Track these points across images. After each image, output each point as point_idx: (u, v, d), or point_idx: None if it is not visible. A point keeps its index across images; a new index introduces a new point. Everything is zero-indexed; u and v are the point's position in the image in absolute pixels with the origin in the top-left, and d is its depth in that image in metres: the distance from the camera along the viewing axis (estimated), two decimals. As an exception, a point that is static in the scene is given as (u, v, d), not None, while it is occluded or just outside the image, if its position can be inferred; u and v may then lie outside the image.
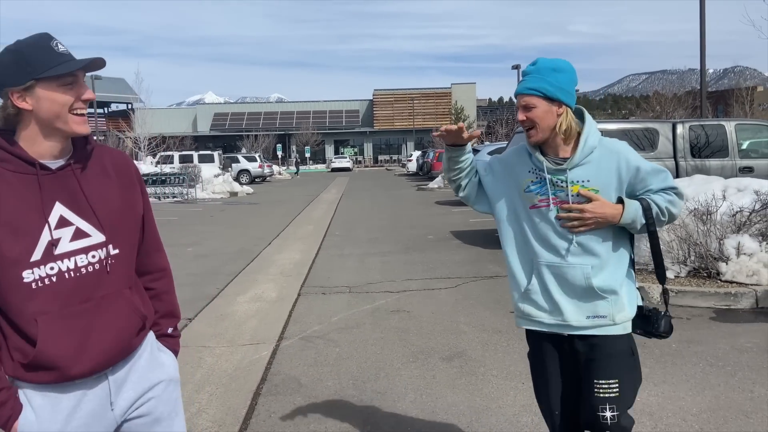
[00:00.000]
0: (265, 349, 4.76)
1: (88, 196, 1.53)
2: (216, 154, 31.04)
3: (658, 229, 2.07)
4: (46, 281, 1.46)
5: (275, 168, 41.21)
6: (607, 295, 2.03)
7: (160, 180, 22.51)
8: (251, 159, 35.05)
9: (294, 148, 60.15)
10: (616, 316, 2.04)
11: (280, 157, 53.06)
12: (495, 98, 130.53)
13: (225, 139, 61.98)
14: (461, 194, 2.33)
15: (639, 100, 33.10)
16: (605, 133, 8.69)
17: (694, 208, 6.32)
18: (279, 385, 4.01)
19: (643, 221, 2.01)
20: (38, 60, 1.43)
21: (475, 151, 18.48)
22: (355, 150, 66.39)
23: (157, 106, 47.23)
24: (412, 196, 21.80)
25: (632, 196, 2.05)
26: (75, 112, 1.49)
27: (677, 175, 8.43)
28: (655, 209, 2.03)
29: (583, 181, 2.03)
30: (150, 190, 22.27)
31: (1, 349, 1.47)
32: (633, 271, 2.13)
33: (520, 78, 2.11)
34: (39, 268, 1.45)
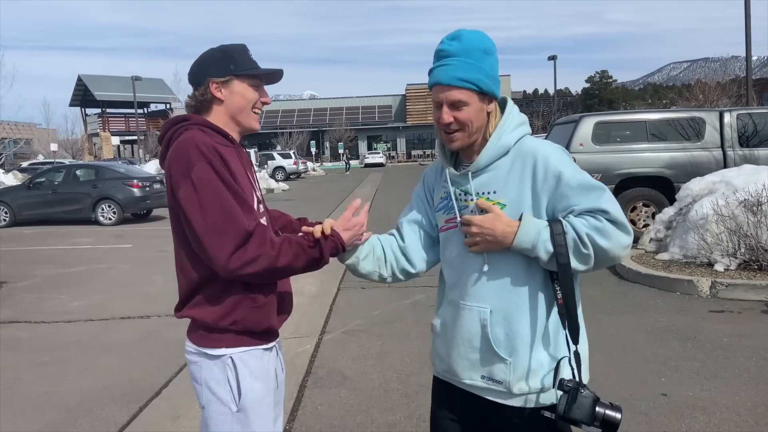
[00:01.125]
0: (308, 343, 4.81)
1: (268, 180, 1.89)
2: (252, 151, 31.44)
3: (576, 265, 1.47)
4: (265, 219, 1.74)
5: (309, 164, 41.54)
6: (504, 356, 1.53)
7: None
8: (286, 156, 35.40)
9: (327, 144, 60.50)
10: (513, 385, 1.53)
11: (313, 153, 53.40)
12: (530, 90, 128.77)
13: (260, 136, 62.71)
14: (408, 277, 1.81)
15: (681, 89, 32.20)
16: (648, 123, 8.49)
17: (744, 199, 6.13)
18: (324, 378, 4.06)
19: (550, 249, 1.45)
20: (240, 60, 1.71)
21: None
22: (388, 145, 66.35)
23: (187, 96, 47.98)
24: (447, 190, 21.68)
25: (553, 218, 1.52)
26: (254, 110, 1.75)
27: (725, 165, 8.19)
28: (571, 235, 1.46)
29: (488, 192, 1.56)
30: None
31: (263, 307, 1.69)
32: (566, 325, 1.51)
33: (436, 60, 1.56)
34: (261, 221, 1.71)
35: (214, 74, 1.69)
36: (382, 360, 4.35)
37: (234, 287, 1.62)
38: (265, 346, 1.72)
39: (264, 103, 1.77)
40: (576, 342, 1.50)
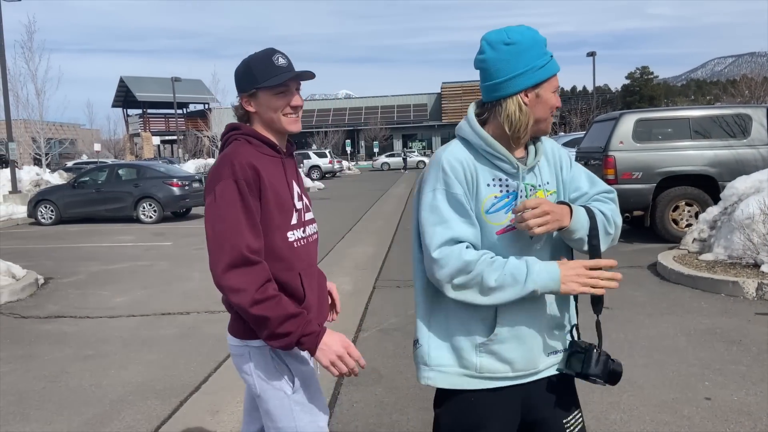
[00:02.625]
0: (343, 341, 4.83)
1: (303, 179, 1.90)
2: (288, 150, 31.72)
3: (602, 244, 1.60)
4: (302, 242, 1.83)
5: (344, 163, 41.77)
6: (567, 326, 1.70)
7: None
8: (321, 155, 35.68)
9: (403, 144, 60.74)
10: (562, 352, 1.69)
11: (349, 152, 53.68)
12: (567, 87, 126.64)
13: (296, 135, 63.22)
14: None
15: (725, 85, 31.17)
16: (691, 120, 8.28)
17: (794, 199, 5.90)
18: (360, 376, 4.07)
19: (587, 229, 1.57)
20: (260, 72, 1.75)
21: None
22: (423, 144, 66.18)
23: (231, 106, 48.83)
24: (483, 189, 21.50)
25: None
26: (286, 114, 1.79)
27: (773, 164, 7.90)
28: (600, 218, 1.58)
29: (544, 185, 1.62)
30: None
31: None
32: (593, 299, 1.69)
33: (544, 49, 1.58)
34: (296, 231, 1.81)
35: (241, 89, 1.80)
36: (418, 359, 4.34)
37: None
38: None
39: (295, 106, 1.80)
40: (599, 312, 1.67)
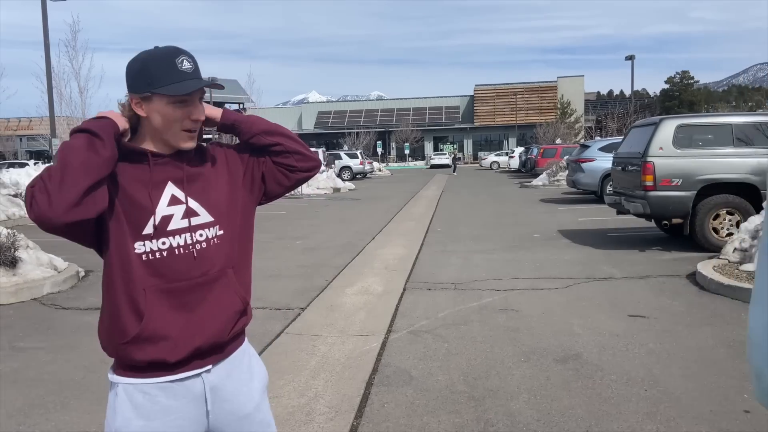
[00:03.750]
0: (374, 341, 4.86)
1: (198, 179, 1.62)
2: (320, 151, 32.01)
3: None
4: (157, 255, 1.53)
5: (375, 165, 41.85)
6: None
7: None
8: (353, 156, 35.84)
9: (393, 145, 60.76)
10: None
11: (380, 153, 53.78)
12: (604, 91, 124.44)
13: (328, 136, 63.81)
14: None
15: (768, 91, 30.22)
16: (734, 127, 8.07)
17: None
18: (390, 377, 4.08)
19: None
20: (158, 75, 1.51)
21: (584, 146, 17.72)
22: (455, 146, 65.92)
23: (265, 106, 49.49)
24: (515, 193, 21.32)
25: None
26: (184, 128, 1.55)
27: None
28: None
29: None
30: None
31: (110, 333, 1.56)
32: None
33: None
34: (150, 242, 1.53)
35: (133, 89, 1.54)
36: (448, 362, 4.33)
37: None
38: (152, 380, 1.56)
39: (196, 120, 1.57)
40: None
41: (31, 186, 1.41)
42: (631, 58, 33.91)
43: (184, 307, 1.55)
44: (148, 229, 1.53)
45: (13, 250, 6.85)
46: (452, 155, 46.61)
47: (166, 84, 1.50)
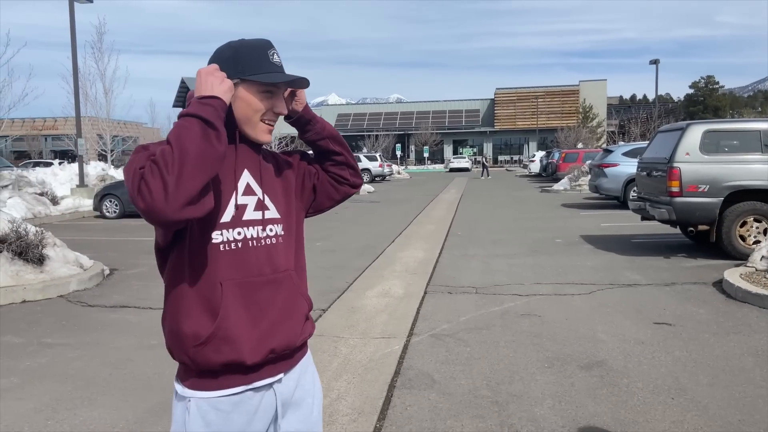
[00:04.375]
0: (396, 344, 4.85)
1: (267, 173, 1.58)
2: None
3: None
4: (233, 246, 1.47)
5: (394, 167, 41.87)
6: None
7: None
8: (372, 158, 35.92)
9: (413, 148, 60.75)
10: None
11: (399, 156, 53.78)
12: (627, 95, 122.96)
13: (347, 139, 63.84)
14: None
15: (796, 97, 29.62)
16: (763, 133, 7.96)
17: None
18: (413, 380, 4.07)
19: None
20: (249, 62, 1.48)
21: (608, 151, 17.53)
22: (474, 150, 65.67)
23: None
24: (536, 197, 21.17)
25: None
26: (264, 120, 1.52)
27: None
28: None
29: None
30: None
31: (179, 337, 1.47)
32: None
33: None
34: (228, 231, 1.47)
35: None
36: (471, 366, 4.31)
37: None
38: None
39: (278, 114, 1.55)
40: None
41: (140, 168, 1.29)
42: (655, 62, 33.53)
43: (257, 306, 1.49)
44: (226, 217, 1.47)
45: (40, 247, 6.98)
46: (483, 158, 45.50)
47: (257, 73, 1.47)
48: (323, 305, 6.11)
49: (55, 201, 16.23)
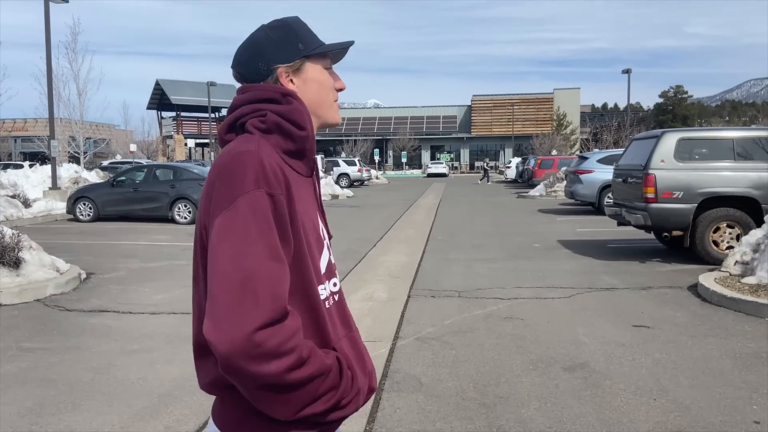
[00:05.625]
0: (382, 347, 4.87)
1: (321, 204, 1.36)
2: (319, 157, 32.07)
3: None
4: (333, 300, 1.28)
5: (373, 172, 41.93)
6: None
7: (318, 177, 23.52)
8: (351, 163, 35.92)
9: (391, 153, 60.92)
10: None
11: (377, 161, 53.87)
12: (599, 104, 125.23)
13: (325, 143, 63.87)
14: None
15: (762, 107, 30.58)
16: (735, 141, 8.14)
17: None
18: (400, 383, 4.10)
19: None
20: (308, 36, 1.29)
21: (583, 158, 17.84)
22: (452, 156, 66.11)
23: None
24: (513, 203, 21.41)
25: None
26: (335, 99, 1.34)
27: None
28: None
29: None
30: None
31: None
32: None
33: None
34: (327, 284, 1.26)
35: (280, 59, 1.26)
36: (457, 369, 4.35)
37: None
38: None
39: (340, 89, 1.36)
40: None
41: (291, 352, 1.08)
42: (627, 71, 34.22)
43: (363, 361, 1.31)
44: (323, 266, 1.25)
45: (17, 250, 6.84)
46: (484, 163, 44.09)
47: (318, 45, 1.28)
48: (307, 309, 6.09)
49: (27, 203, 15.88)
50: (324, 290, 1.24)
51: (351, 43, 1.34)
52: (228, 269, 1.05)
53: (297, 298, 1.16)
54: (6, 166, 30.39)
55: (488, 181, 39.12)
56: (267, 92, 1.24)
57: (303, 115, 1.24)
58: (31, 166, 27.97)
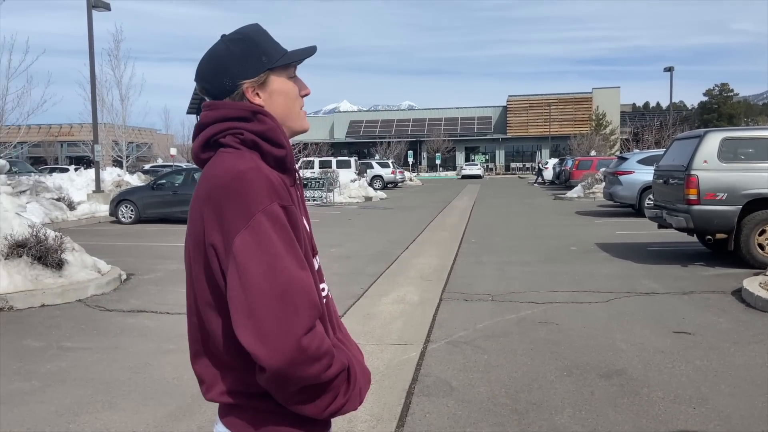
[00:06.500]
0: (413, 350, 4.84)
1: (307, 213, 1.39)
2: (352, 160, 32.21)
3: None
4: (324, 300, 1.31)
5: (406, 174, 41.91)
6: None
7: (302, 184, 23.72)
8: (384, 165, 35.96)
9: (425, 154, 60.79)
10: None
11: (411, 163, 53.81)
12: (641, 103, 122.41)
13: (359, 145, 64.16)
14: None
15: (814, 104, 29.30)
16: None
17: None
18: (431, 387, 4.06)
19: None
20: (270, 47, 1.27)
21: (622, 158, 17.44)
22: (486, 157, 65.58)
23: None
24: (549, 205, 21.08)
25: None
26: (301, 107, 1.34)
27: None
28: None
29: None
30: (293, 193, 23.54)
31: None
32: None
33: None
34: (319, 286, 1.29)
35: (245, 75, 1.25)
36: (489, 374, 4.29)
37: None
38: None
39: (306, 95, 1.35)
40: None
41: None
42: (670, 69, 33.34)
43: (354, 352, 1.36)
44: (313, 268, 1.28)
45: (59, 252, 7.05)
46: (538, 163, 42.82)
47: (281, 55, 1.27)
48: (339, 311, 6.10)
49: (71, 206, 16.40)
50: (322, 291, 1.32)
51: (313, 50, 1.33)
52: (264, 285, 1.10)
53: None
54: (53, 170, 31.50)
55: (543, 182, 38.27)
56: (236, 111, 1.25)
57: (278, 133, 1.26)
58: (76, 170, 28.92)
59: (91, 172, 20.03)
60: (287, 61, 1.28)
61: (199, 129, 1.29)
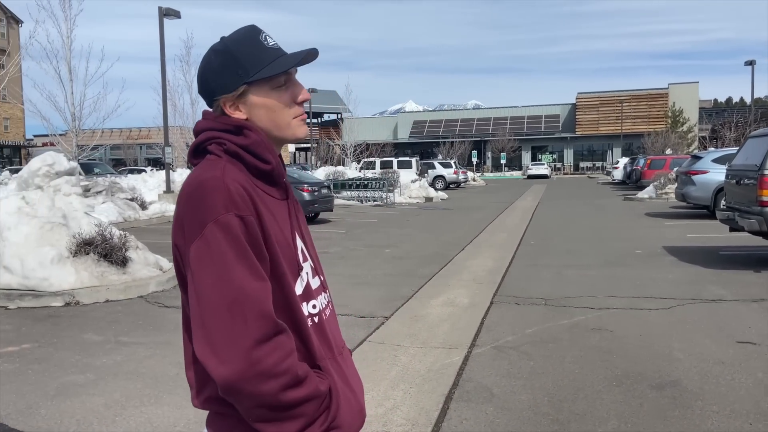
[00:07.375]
0: (456, 355, 4.75)
1: (305, 227, 1.36)
2: (413, 160, 32.17)
3: None
4: (315, 319, 1.27)
5: (470, 174, 41.44)
6: None
7: (363, 184, 24.00)
8: (447, 165, 35.71)
9: (489, 154, 59.99)
10: None
11: (474, 163, 53.18)
12: (722, 98, 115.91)
13: (422, 145, 64.01)
14: None
15: None
16: None
17: None
18: (471, 392, 3.97)
19: None
20: (250, 61, 1.22)
21: (696, 157, 16.54)
22: (554, 156, 63.90)
23: (362, 116, 50.57)
24: (618, 206, 20.27)
25: None
26: (295, 115, 1.29)
27: None
28: None
29: None
30: (353, 193, 23.82)
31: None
32: None
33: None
34: (306, 305, 1.26)
35: (220, 89, 1.24)
36: (533, 381, 4.15)
37: None
38: None
39: (303, 101, 1.30)
40: None
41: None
42: (751, 63, 31.36)
43: (348, 384, 1.29)
44: (299, 288, 1.25)
45: (124, 250, 7.40)
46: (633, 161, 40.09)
47: (262, 67, 1.22)
48: (386, 312, 6.09)
49: (143, 206, 17.20)
50: (306, 306, 1.26)
51: (312, 54, 1.27)
52: (212, 296, 1.10)
53: (281, 312, 1.18)
54: (130, 171, 33.24)
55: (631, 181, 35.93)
56: (221, 124, 1.26)
57: (262, 148, 1.24)
58: (152, 170, 30.38)
59: (163, 173, 20.95)
60: (267, 75, 1.23)
61: (195, 134, 1.33)
